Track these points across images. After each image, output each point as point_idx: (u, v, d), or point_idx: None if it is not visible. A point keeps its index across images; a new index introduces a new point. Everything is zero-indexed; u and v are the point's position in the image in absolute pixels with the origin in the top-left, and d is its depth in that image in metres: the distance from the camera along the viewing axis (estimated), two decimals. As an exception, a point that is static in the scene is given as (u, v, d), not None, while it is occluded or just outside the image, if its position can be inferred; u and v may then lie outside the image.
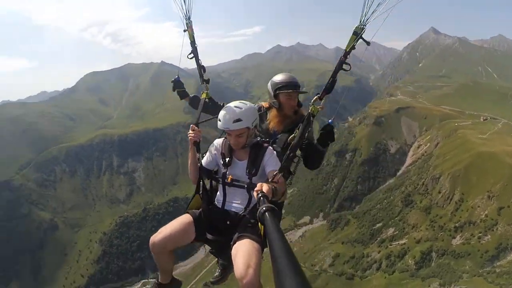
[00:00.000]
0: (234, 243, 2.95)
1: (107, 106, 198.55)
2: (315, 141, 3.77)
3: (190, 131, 3.62)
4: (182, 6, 3.93)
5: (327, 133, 3.66)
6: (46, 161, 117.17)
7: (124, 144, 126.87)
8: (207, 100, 4.14)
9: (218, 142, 3.62)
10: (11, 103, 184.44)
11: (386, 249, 66.77)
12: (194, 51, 4.11)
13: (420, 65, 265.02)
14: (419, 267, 60.79)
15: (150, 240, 3.17)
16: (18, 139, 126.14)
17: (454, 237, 62.48)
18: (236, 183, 3.38)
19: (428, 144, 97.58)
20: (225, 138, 3.53)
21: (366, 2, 2.98)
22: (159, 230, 3.20)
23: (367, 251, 68.73)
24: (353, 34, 3.14)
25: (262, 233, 2.77)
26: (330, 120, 3.67)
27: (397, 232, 70.12)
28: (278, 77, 3.94)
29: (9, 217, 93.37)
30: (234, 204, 3.41)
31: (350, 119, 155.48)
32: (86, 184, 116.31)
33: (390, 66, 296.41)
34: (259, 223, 2.67)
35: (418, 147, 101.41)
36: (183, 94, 4.49)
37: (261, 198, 2.29)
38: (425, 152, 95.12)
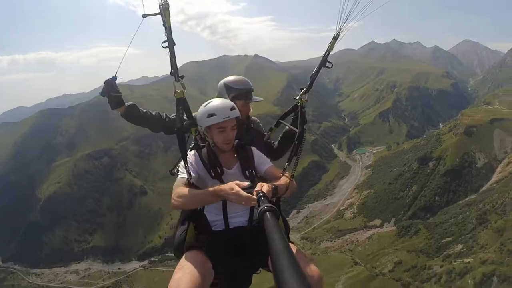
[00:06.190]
0: (265, 265, 2.72)
1: (205, 95, 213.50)
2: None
3: None
4: None
5: (301, 115, 3.45)
6: (144, 136, 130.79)
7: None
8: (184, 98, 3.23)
9: (193, 154, 2.99)
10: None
11: (450, 264, 61.60)
12: (169, 40, 2.96)
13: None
14: (477, 289, 54.77)
15: None
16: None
17: (522, 264, 54.36)
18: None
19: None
20: (196, 150, 3.01)
21: (341, 11, 3.12)
22: (176, 283, 2.30)
23: (430, 263, 64.66)
24: (333, 38, 3.45)
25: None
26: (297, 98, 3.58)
27: (464, 249, 65.25)
28: (234, 83, 3.55)
29: (105, 179, 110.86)
30: (236, 219, 2.83)
31: (441, 126, 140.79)
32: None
33: (492, 71, 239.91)
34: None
35: (508, 164, 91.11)
36: (117, 102, 3.41)
37: (262, 198, 2.13)
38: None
